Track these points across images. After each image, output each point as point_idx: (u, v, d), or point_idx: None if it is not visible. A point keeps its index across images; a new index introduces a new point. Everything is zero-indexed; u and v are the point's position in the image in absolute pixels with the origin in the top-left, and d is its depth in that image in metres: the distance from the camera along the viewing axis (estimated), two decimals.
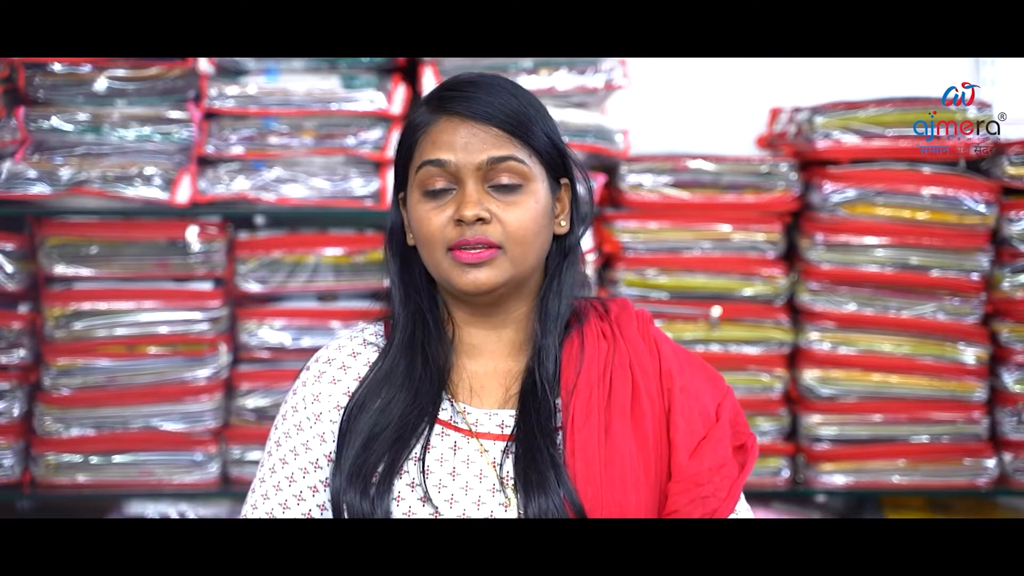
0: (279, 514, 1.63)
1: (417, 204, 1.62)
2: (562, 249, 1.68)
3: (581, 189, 1.69)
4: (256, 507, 1.64)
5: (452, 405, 1.63)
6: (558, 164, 1.65)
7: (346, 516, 1.58)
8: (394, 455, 1.58)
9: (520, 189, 1.60)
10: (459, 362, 1.67)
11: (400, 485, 1.57)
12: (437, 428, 1.61)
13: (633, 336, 1.66)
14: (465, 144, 1.59)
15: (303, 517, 1.62)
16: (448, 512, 1.56)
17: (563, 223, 1.67)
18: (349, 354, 1.69)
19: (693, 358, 1.70)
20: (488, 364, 1.66)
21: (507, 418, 1.62)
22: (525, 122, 1.61)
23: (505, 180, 1.59)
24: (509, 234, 1.59)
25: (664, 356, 1.65)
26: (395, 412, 1.61)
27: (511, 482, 1.57)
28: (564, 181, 1.67)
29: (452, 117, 1.61)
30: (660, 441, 1.60)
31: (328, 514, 1.63)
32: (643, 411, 1.60)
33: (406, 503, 1.57)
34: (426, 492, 1.56)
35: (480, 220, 1.58)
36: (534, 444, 1.57)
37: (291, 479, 1.63)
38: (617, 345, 1.64)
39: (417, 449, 1.59)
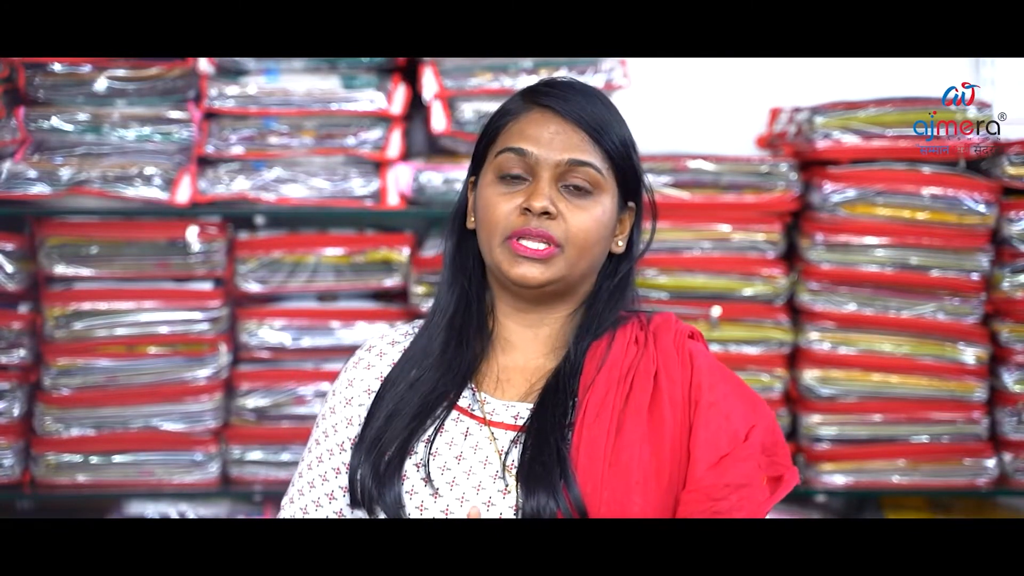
0: (307, 492, 1.71)
1: (488, 186, 1.66)
2: (615, 269, 1.72)
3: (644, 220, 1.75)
4: (293, 484, 1.74)
5: (474, 394, 1.67)
6: (631, 185, 1.70)
7: (357, 491, 1.62)
8: (408, 433, 1.63)
9: (590, 196, 1.64)
10: (492, 354, 1.70)
11: (408, 464, 1.61)
12: (454, 413, 1.65)
13: (667, 347, 1.67)
14: (550, 140, 1.64)
15: (326, 496, 1.69)
16: (448, 494, 1.59)
17: (620, 243, 1.71)
18: (388, 343, 1.75)
19: (733, 379, 1.69)
20: (519, 359, 1.70)
21: (523, 411, 1.65)
22: (611, 134, 1.67)
23: (578, 183, 1.63)
24: (570, 235, 1.62)
25: (697, 370, 1.65)
26: (420, 390, 1.66)
27: (514, 470, 1.59)
28: (631, 205, 1.71)
29: (545, 111, 1.66)
30: (678, 449, 1.60)
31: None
32: (663, 417, 1.60)
33: (410, 482, 1.61)
34: (428, 473, 1.60)
35: (546, 214, 1.61)
36: (543, 438, 1.59)
37: (320, 459, 1.71)
38: (647, 352, 1.66)
39: (430, 431, 1.63)
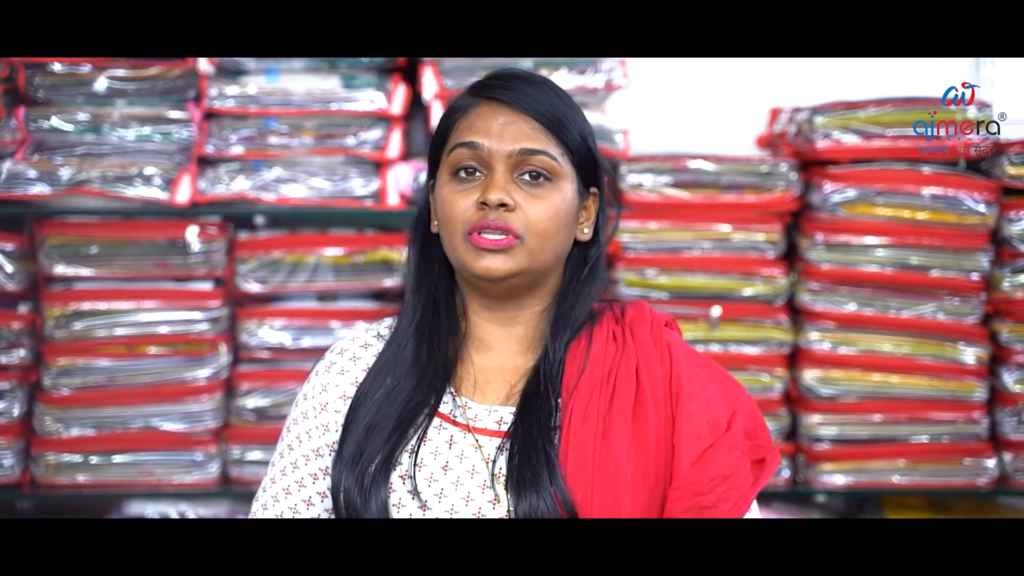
0: (282, 499, 1.65)
1: (444, 185, 1.63)
2: (584, 257, 1.68)
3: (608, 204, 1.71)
4: (265, 489, 1.67)
5: (454, 399, 1.64)
6: (590, 171, 1.67)
7: (342, 504, 1.59)
8: (392, 445, 1.59)
9: (548, 184, 1.61)
10: (467, 355, 1.67)
11: (394, 476, 1.58)
12: (436, 421, 1.62)
13: (644, 340, 1.65)
14: (500, 131, 1.61)
15: (304, 503, 1.65)
16: (436, 506, 1.57)
17: (586, 230, 1.68)
18: (361, 345, 1.71)
19: (711, 366, 1.68)
20: (496, 359, 1.67)
21: (506, 415, 1.62)
22: (563, 120, 1.63)
23: (533, 172, 1.60)
24: (530, 225, 1.59)
25: (676, 361, 1.64)
26: (398, 400, 1.62)
27: (503, 479, 1.57)
28: (594, 190, 1.68)
29: (492, 103, 1.63)
30: (663, 446, 1.58)
31: (329, 501, 1.64)
32: (647, 416, 1.59)
33: (397, 495, 1.58)
34: (415, 485, 1.57)
35: (503, 206, 1.58)
36: (530, 441, 1.57)
37: (295, 465, 1.66)
38: (626, 349, 1.63)
39: (414, 441, 1.60)
